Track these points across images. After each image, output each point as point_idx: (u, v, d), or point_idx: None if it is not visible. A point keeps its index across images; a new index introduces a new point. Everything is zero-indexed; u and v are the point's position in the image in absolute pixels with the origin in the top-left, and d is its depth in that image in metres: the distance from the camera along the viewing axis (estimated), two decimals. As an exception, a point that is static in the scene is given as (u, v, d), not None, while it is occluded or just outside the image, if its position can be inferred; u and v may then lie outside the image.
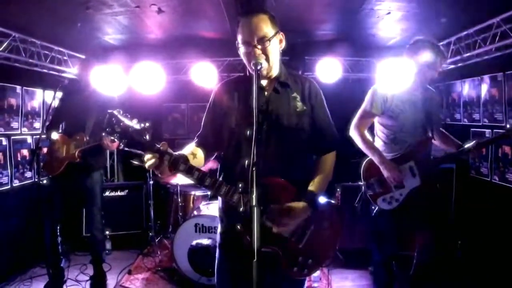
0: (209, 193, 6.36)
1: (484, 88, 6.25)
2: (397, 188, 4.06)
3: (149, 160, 2.31)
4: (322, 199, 2.75)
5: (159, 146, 2.31)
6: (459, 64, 6.47)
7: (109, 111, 2.35)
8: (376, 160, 4.10)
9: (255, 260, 1.76)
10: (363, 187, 4.32)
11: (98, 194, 5.27)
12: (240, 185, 2.31)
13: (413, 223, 4.20)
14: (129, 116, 2.35)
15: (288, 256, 2.57)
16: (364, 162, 4.28)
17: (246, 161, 2.17)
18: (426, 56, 4.00)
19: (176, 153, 2.41)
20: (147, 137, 2.32)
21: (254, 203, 1.87)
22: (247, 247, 1.84)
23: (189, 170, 2.40)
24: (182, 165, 2.38)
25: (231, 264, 2.70)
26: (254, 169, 1.97)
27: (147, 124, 2.35)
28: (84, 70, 5.18)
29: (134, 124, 2.33)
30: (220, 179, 2.56)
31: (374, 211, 4.29)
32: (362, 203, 4.48)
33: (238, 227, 2.40)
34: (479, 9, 5.05)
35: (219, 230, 2.85)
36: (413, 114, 4.09)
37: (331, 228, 2.73)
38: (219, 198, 2.76)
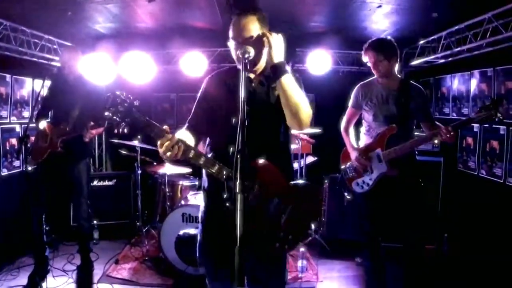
0: (196, 183, 6.38)
1: (474, 83, 6.29)
2: (366, 173, 4.43)
3: (167, 147, 2.42)
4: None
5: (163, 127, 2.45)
6: (450, 59, 6.48)
7: (115, 92, 2.40)
8: (347, 146, 4.67)
9: (237, 246, 1.78)
10: (341, 172, 4.76)
11: (84, 183, 5.26)
12: (224, 172, 2.54)
13: (387, 209, 4.51)
14: (131, 97, 2.39)
15: (270, 233, 2.74)
16: (342, 150, 4.76)
17: (231, 148, 2.28)
18: (368, 53, 4.39)
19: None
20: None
21: (238, 190, 1.92)
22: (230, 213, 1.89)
23: (185, 151, 2.51)
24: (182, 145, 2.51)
25: (213, 240, 2.91)
26: (239, 156, 2.03)
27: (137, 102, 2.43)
28: (69, 58, 5.13)
29: (137, 104, 2.41)
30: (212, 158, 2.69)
31: (347, 196, 4.84)
32: (340, 186, 4.87)
33: (227, 204, 2.52)
34: (471, 4, 5.06)
35: (201, 207, 3.04)
36: (385, 105, 4.37)
37: (308, 205, 2.89)
38: (204, 175, 2.97)
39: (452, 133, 3.96)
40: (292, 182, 2.87)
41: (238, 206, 1.86)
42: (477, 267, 5.44)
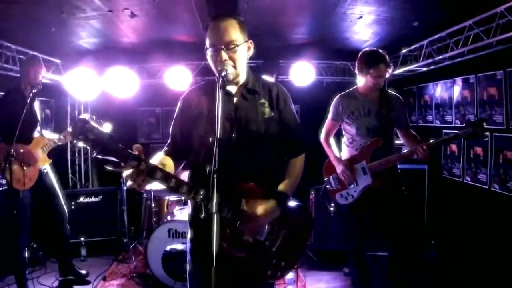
0: (183, 198, 6.32)
1: (457, 90, 6.34)
2: (351, 185, 4.45)
3: (127, 172, 2.20)
4: (292, 203, 2.81)
5: (134, 153, 2.21)
6: (432, 67, 6.54)
7: (81, 117, 2.24)
8: (331, 158, 4.63)
9: (213, 267, 1.76)
10: (324, 184, 4.76)
11: (55, 185, 5.38)
12: (201, 192, 2.33)
13: (372, 219, 4.59)
14: (101, 122, 2.28)
15: (262, 260, 2.60)
16: (325, 162, 4.73)
17: (208, 168, 2.13)
18: (379, 66, 4.28)
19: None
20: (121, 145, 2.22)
21: (214, 210, 1.87)
22: (222, 253, 1.83)
23: (166, 178, 2.32)
24: (159, 172, 2.28)
25: (202, 270, 2.61)
26: (215, 176, 1.97)
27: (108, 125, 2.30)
28: (36, 69, 5.07)
29: (107, 130, 2.25)
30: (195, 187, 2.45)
31: (331, 207, 4.98)
32: (323, 198, 4.98)
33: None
34: (452, 12, 5.10)
35: (189, 236, 2.81)
36: (367, 118, 4.40)
37: (301, 229, 2.80)
38: (189, 204, 2.75)
39: (426, 152, 4.03)
40: None
41: (214, 227, 1.83)
42: (464, 272, 5.47)
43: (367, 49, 4.48)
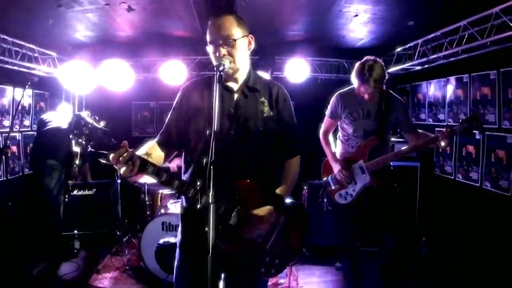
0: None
1: (450, 89, 6.39)
2: (349, 184, 4.41)
3: (121, 167, 2.26)
4: (288, 200, 2.78)
5: (130, 150, 2.26)
6: (426, 66, 6.59)
7: (77, 113, 2.28)
8: (328, 157, 4.59)
9: (210, 255, 1.78)
10: (323, 183, 4.72)
11: None
12: (198, 182, 2.35)
13: (368, 217, 4.61)
14: (97, 118, 2.31)
15: (255, 258, 2.59)
16: (323, 162, 4.68)
17: (205, 160, 2.16)
18: (378, 73, 4.16)
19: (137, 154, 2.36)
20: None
21: (210, 201, 1.90)
22: (214, 248, 1.85)
23: (158, 173, 2.38)
24: (151, 167, 2.35)
25: (191, 264, 2.67)
26: (211, 167, 1.99)
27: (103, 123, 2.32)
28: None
29: (102, 126, 2.29)
30: (187, 181, 2.53)
31: (324, 205, 4.95)
32: (324, 198, 4.99)
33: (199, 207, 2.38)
34: (447, 12, 5.13)
35: (180, 229, 2.82)
36: (366, 120, 4.36)
37: (296, 227, 2.76)
38: (182, 197, 2.75)
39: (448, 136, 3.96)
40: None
41: (211, 217, 1.85)
42: (455, 269, 5.52)
43: (365, 59, 4.26)
